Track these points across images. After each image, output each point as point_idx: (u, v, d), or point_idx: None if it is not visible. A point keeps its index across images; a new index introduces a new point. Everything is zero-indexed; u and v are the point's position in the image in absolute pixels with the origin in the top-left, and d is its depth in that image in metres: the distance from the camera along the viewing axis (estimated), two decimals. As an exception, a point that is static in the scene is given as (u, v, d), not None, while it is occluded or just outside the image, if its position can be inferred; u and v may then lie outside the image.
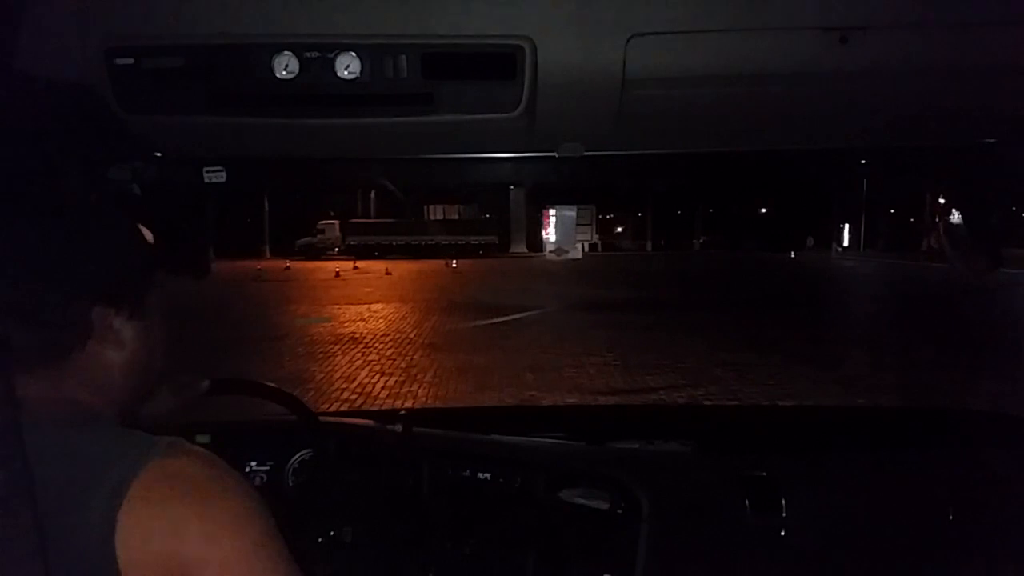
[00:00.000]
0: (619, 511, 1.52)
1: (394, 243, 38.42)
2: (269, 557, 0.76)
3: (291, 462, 1.64)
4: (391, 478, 1.63)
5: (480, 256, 37.13)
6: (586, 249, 40.78)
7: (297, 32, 0.93)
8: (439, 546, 1.58)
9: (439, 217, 42.29)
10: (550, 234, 41.01)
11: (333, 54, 0.94)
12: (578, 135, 1.16)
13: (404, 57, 0.94)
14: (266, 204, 39.86)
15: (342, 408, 6.58)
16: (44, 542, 0.63)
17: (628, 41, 0.93)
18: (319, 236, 39.91)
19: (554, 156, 1.22)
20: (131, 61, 0.94)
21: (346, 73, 0.94)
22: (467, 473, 1.63)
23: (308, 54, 0.94)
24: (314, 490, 1.61)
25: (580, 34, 0.94)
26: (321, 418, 1.66)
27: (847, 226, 42.83)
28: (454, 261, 27.34)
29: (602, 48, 0.94)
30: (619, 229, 54.46)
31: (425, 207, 42.30)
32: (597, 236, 44.84)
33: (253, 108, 0.99)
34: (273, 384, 1.63)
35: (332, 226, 40.38)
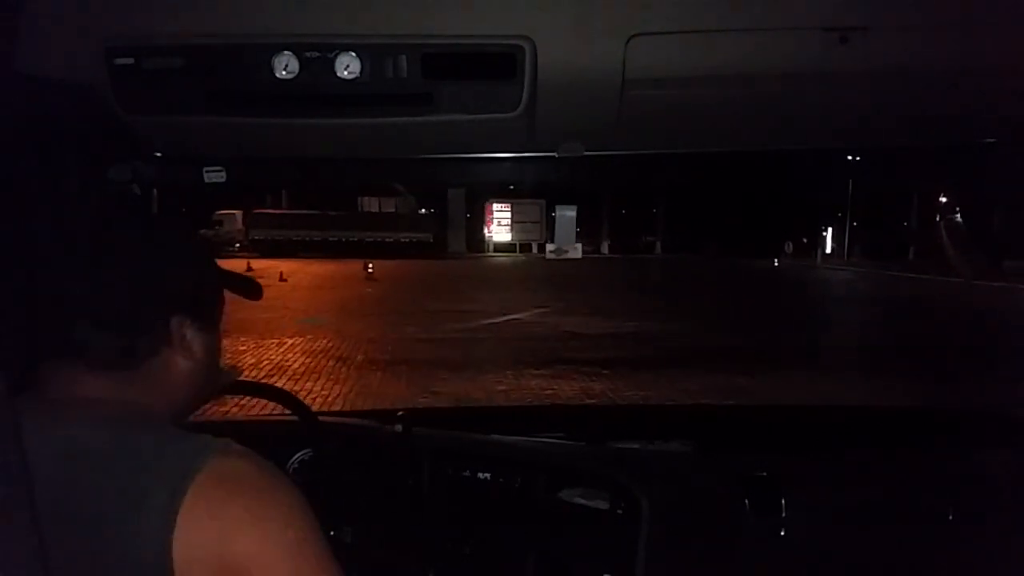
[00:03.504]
0: (619, 511, 1.52)
1: (309, 239, 32.10)
2: (314, 555, 0.79)
3: (291, 462, 1.64)
4: (391, 478, 1.63)
5: (412, 256, 31.19)
6: (534, 250, 36.10)
7: (297, 32, 0.93)
8: (439, 546, 1.58)
9: (374, 210, 35.87)
10: (493, 232, 36.64)
11: (333, 54, 0.94)
12: (578, 135, 1.16)
13: (404, 57, 0.94)
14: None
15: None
16: (44, 543, 0.63)
17: (628, 41, 0.93)
18: (216, 229, 32.68)
19: (554, 156, 1.22)
20: (131, 61, 0.94)
21: (346, 73, 0.94)
22: (467, 473, 1.63)
23: (308, 54, 0.94)
24: (314, 490, 1.60)
25: (580, 34, 0.94)
26: (321, 418, 1.66)
27: (830, 231, 38.87)
28: (370, 264, 21.04)
29: (602, 48, 0.94)
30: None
31: (359, 199, 35.73)
32: (548, 235, 38.00)
33: (253, 108, 0.99)
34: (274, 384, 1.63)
35: (232, 217, 33.67)
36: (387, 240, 32.92)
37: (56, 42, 0.93)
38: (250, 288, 1.11)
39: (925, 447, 1.80)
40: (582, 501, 1.56)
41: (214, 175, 1.26)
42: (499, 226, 37.01)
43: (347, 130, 1.04)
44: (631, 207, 42.31)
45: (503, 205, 36.27)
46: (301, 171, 1.45)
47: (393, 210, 36.49)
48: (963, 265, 1.52)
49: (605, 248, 41.84)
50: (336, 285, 19.03)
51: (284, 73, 0.94)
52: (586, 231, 45.59)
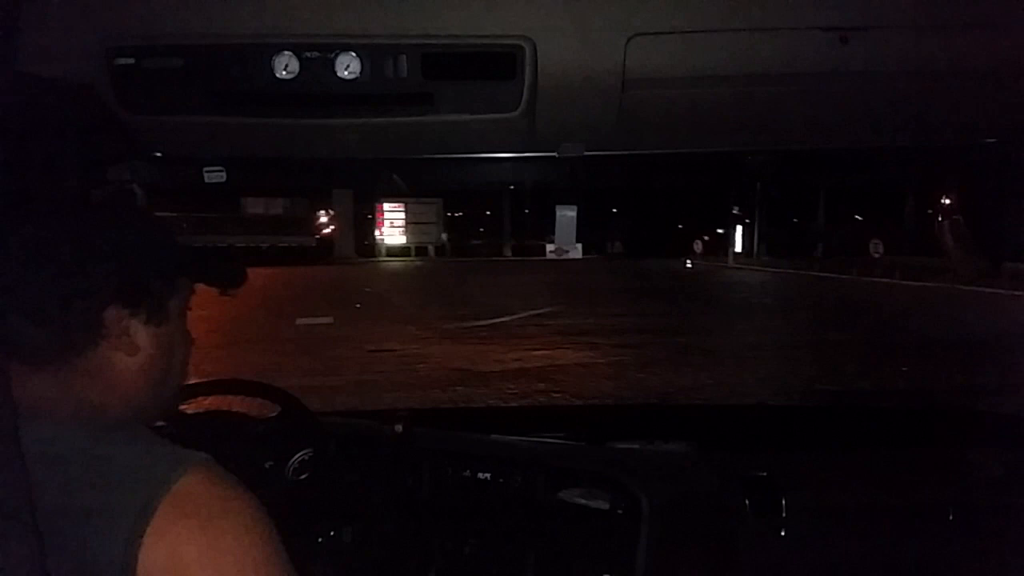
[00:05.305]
0: (619, 511, 1.52)
1: None
2: None
3: (291, 462, 1.64)
4: (391, 478, 1.63)
5: (292, 263, 26.18)
6: (431, 253, 33.97)
7: (297, 32, 0.93)
8: (439, 546, 1.58)
9: (259, 211, 31.55)
10: (385, 234, 33.58)
11: (333, 54, 0.94)
12: (578, 135, 1.16)
13: (404, 57, 0.94)
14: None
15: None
16: (43, 543, 0.63)
17: (628, 41, 0.93)
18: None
19: (554, 156, 1.22)
20: (132, 61, 0.94)
21: (346, 73, 0.94)
22: (467, 473, 1.63)
23: (308, 54, 0.94)
24: (314, 490, 1.61)
25: (580, 34, 0.94)
26: (321, 418, 1.66)
27: (739, 229, 34.86)
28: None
29: (602, 48, 0.94)
30: (469, 228, 43.26)
31: (242, 200, 30.96)
32: (446, 236, 35.74)
33: (253, 108, 0.99)
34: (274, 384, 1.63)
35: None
36: (262, 246, 28.65)
37: (56, 42, 0.93)
38: (226, 277, 1.03)
39: (925, 447, 1.80)
40: (582, 501, 1.56)
41: (214, 175, 1.26)
42: (391, 227, 33.84)
43: (347, 130, 1.04)
44: (534, 206, 37.48)
45: (395, 205, 33.35)
46: (301, 171, 1.45)
47: (280, 212, 32.64)
48: (966, 265, 1.53)
49: (508, 251, 37.19)
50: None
51: (284, 73, 0.94)
52: (487, 232, 41.83)
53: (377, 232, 33.98)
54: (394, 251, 33.57)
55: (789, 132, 1.26)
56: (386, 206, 33.21)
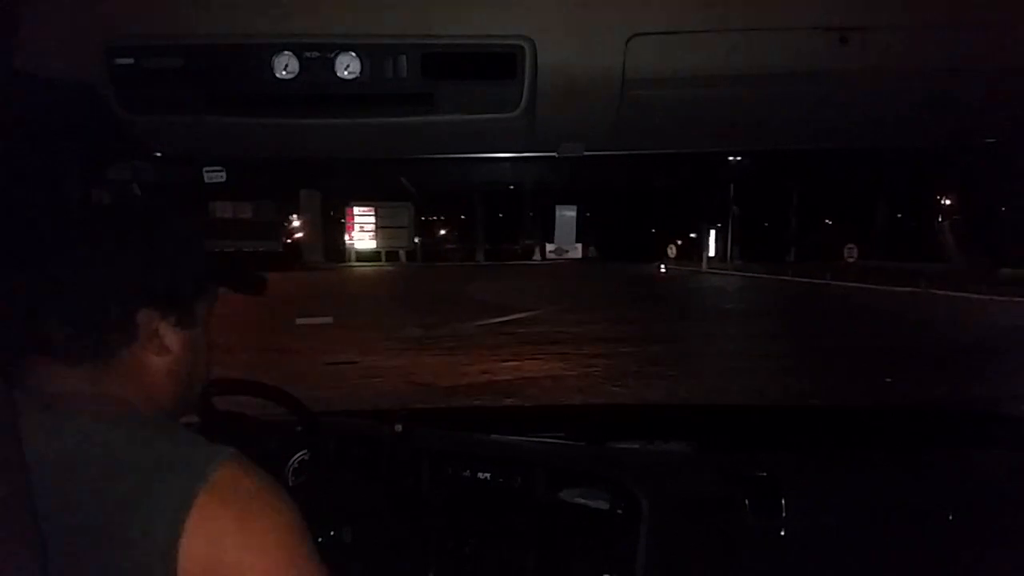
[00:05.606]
0: (619, 511, 1.52)
1: None
2: (305, 572, 0.78)
3: (291, 462, 1.64)
4: (391, 478, 1.63)
5: (259, 269, 21.02)
6: (402, 258, 33.52)
7: (297, 32, 0.94)
8: (439, 546, 1.58)
9: (227, 216, 30.14)
10: (355, 239, 32.82)
11: (333, 54, 0.94)
12: (578, 135, 1.16)
13: (404, 57, 0.95)
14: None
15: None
16: (44, 542, 0.63)
17: (628, 41, 0.93)
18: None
19: (554, 156, 1.23)
20: (131, 61, 0.94)
21: (346, 73, 0.94)
22: (467, 473, 1.63)
23: (308, 54, 0.94)
24: (314, 490, 1.61)
25: (580, 34, 0.94)
26: (321, 418, 1.66)
27: (712, 233, 34.76)
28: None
29: (602, 48, 0.94)
30: (443, 232, 44.61)
31: (210, 204, 28.63)
32: (417, 240, 35.22)
33: (253, 108, 0.99)
34: (274, 384, 1.63)
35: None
36: (226, 251, 27.18)
37: (56, 42, 0.93)
38: (248, 282, 1.06)
39: (925, 447, 1.80)
40: (582, 501, 1.56)
41: (214, 175, 1.26)
42: (361, 232, 33.04)
43: (347, 130, 1.04)
44: (507, 210, 38.01)
45: (366, 209, 32.55)
46: (301, 171, 1.45)
47: (249, 216, 31.34)
48: (966, 265, 1.53)
49: (481, 256, 37.49)
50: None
51: (284, 73, 0.94)
52: (459, 237, 41.61)
53: (347, 236, 33.13)
54: (364, 256, 32.76)
55: (788, 132, 1.26)
56: (356, 210, 32.60)
